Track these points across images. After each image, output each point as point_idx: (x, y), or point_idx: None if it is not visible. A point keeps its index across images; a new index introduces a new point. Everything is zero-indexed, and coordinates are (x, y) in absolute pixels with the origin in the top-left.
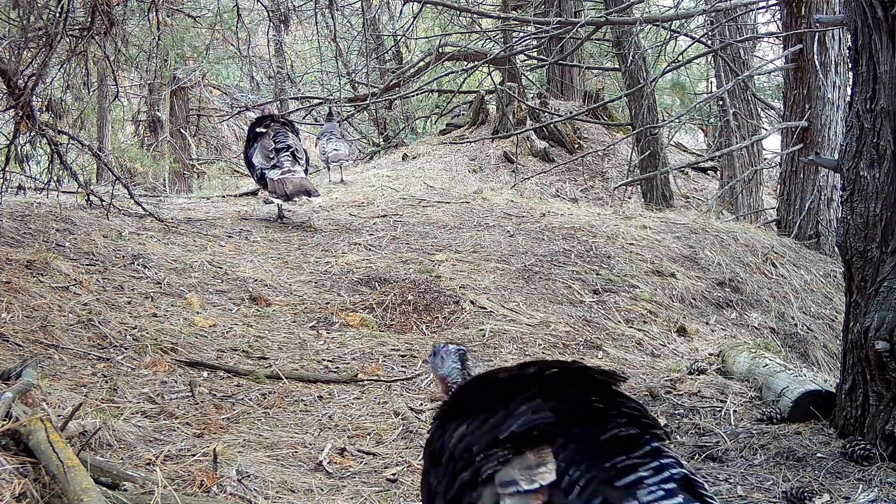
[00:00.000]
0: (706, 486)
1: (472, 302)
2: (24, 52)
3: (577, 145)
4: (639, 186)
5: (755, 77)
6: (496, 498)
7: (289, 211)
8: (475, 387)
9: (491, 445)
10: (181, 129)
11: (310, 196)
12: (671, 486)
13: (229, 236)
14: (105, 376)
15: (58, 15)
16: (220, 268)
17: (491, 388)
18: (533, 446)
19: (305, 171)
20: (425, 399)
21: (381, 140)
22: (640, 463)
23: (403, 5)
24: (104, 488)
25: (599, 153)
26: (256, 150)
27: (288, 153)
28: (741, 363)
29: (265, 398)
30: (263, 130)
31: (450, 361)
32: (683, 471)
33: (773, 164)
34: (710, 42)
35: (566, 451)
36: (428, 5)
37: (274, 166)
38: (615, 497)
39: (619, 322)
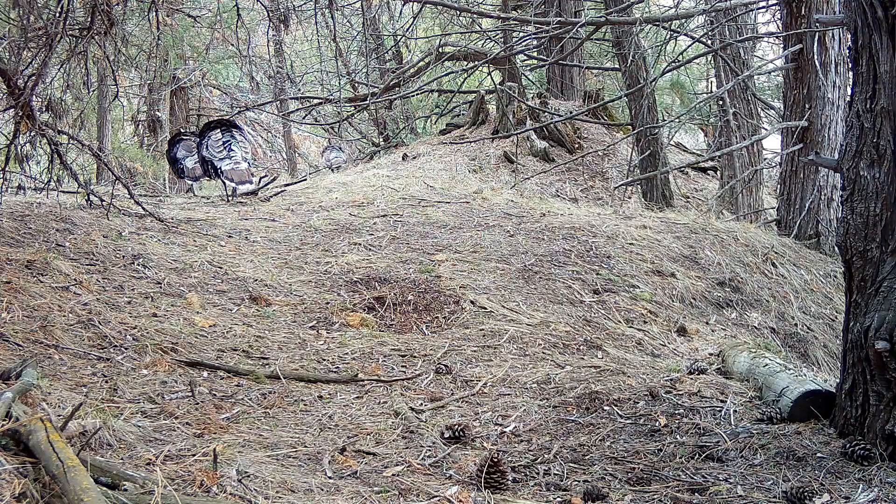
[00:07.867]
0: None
1: (472, 302)
2: (24, 52)
3: (577, 145)
4: (639, 186)
5: (755, 77)
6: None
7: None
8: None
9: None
10: (181, 129)
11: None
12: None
13: (229, 236)
14: (105, 376)
15: (58, 15)
16: (220, 268)
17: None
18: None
19: (248, 164)
20: (425, 399)
21: (381, 140)
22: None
23: (403, 5)
24: (104, 488)
25: (599, 153)
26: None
27: (234, 147)
28: (741, 363)
29: (265, 398)
30: (214, 131)
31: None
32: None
33: (773, 164)
34: (710, 42)
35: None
36: (428, 5)
37: (222, 158)
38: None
39: (620, 322)
